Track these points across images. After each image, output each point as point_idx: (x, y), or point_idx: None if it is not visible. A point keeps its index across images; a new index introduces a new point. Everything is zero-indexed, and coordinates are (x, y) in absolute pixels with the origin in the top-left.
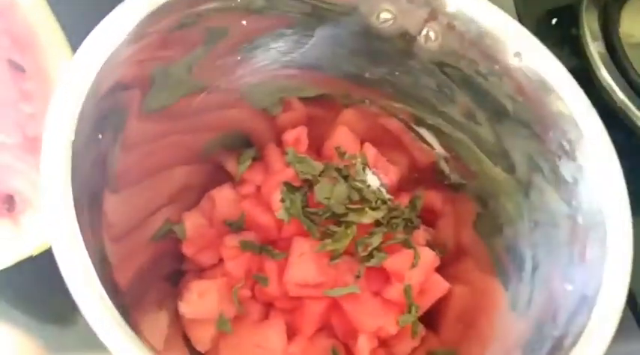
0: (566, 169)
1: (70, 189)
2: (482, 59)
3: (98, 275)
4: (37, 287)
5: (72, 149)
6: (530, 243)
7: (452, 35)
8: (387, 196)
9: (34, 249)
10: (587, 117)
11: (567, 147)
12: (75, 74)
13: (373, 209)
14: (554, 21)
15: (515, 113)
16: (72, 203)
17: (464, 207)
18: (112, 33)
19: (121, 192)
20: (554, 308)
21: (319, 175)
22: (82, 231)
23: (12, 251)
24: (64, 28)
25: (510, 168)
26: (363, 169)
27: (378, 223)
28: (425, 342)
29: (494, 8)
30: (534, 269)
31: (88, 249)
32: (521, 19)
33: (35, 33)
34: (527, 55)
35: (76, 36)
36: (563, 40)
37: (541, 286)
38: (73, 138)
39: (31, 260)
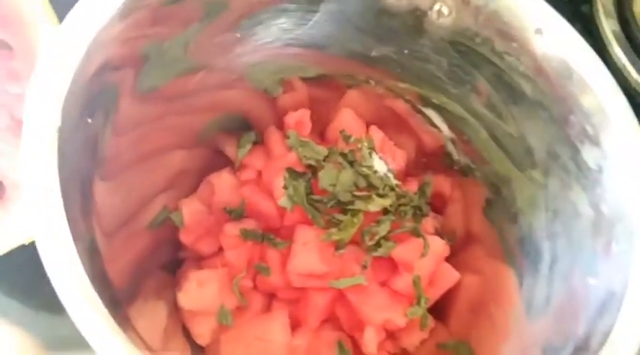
0: (589, 156)
1: (57, 176)
2: (499, 37)
3: (86, 268)
4: (31, 275)
5: (58, 133)
6: (548, 234)
7: (466, 10)
8: (395, 182)
9: (27, 238)
10: (614, 100)
11: (591, 131)
12: (60, 50)
13: (381, 196)
14: None
15: (534, 95)
16: (58, 192)
17: (473, 192)
18: (100, 6)
19: (113, 179)
20: (576, 304)
21: (323, 160)
22: (69, 221)
23: (3, 239)
24: (53, 3)
25: (527, 154)
26: (370, 154)
27: (385, 211)
28: (434, 334)
29: None
30: (553, 262)
31: (75, 240)
32: None
33: (22, 9)
34: (549, 31)
35: (64, 13)
36: (575, 17)
37: (561, 281)
38: (59, 122)
39: (23, 247)
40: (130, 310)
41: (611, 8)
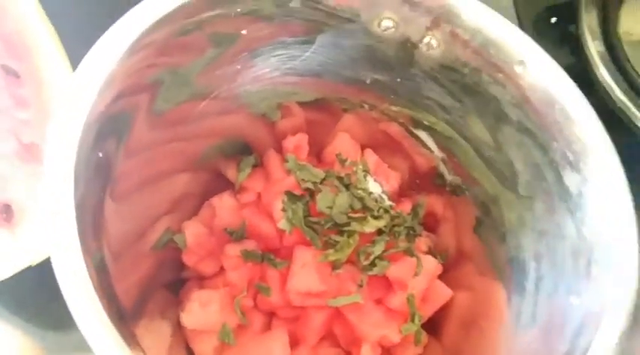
0: (571, 181)
1: (72, 196)
2: (486, 67)
3: (95, 285)
4: (38, 295)
5: (75, 158)
6: (535, 254)
7: (455, 43)
8: (389, 203)
9: (33, 260)
10: (592, 129)
11: (572, 158)
12: (75, 92)
13: (375, 217)
14: (553, 19)
15: (519, 122)
16: (73, 211)
17: (464, 211)
18: (114, 47)
19: (122, 200)
20: (560, 321)
21: (320, 183)
22: (82, 239)
23: (11, 262)
24: (58, 31)
25: (513, 177)
26: (365, 177)
27: (380, 232)
28: (428, 349)
29: (498, 16)
30: (538, 280)
31: (86, 257)
32: (520, 18)
33: (29, 37)
34: (532, 63)
35: (70, 39)
36: (562, 38)
37: (545, 298)
38: (76, 149)
39: (30, 268)
40: (136, 328)
41: (597, 29)
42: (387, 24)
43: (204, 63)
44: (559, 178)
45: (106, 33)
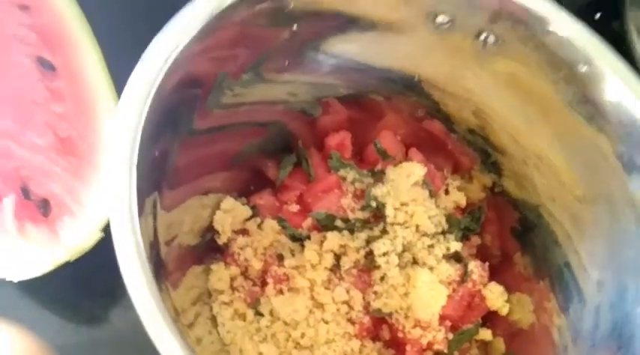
0: (637, 186)
1: (135, 192)
2: (547, 65)
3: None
4: (73, 291)
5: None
6: (596, 260)
7: (514, 39)
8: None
9: (72, 256)
10: None
11: (638, 162)
12: (139, 80)
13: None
14: (597, 15)
15: (581, 122)
16: (135, 202)
17: (506, 212)
18: (179, 35)
19: (176, 189)
20: (628, 333)
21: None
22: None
23: (49, 257)
24: (93, 26)
25: (571, 181)
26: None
27: None
28: None
29: (564, 12)
30: (600, 287)
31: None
32: None
33: (65, 29)
34: (597, 63)
35: (103, 33)
36: (606, 36)
37: (608, 307)
38: (138, 140)
39: (67, 263)
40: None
41: None
42: (442, 19)
43: (263, 55)
44: (624, 184)
45: (172, 20)
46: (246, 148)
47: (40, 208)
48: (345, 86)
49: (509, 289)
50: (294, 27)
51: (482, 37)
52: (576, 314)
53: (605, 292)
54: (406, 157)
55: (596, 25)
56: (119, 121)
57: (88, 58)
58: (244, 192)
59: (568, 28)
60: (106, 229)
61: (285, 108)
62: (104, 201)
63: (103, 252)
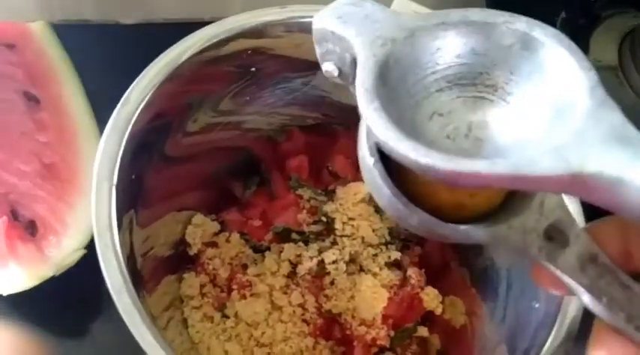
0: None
1: (115, 214)
2: None
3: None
4: (57, 304)
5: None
6: (506, 265)
7: None
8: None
9: (57, 270)
10: None
11: None
12: (120, 119)
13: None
14: None
15: None
16: (115, 222)
17: None
18: (152, 79)
19: (150, 209)
20: (523, 322)
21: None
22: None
23: (36, 273)
24: (74, 60)
25: None
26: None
27: None
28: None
29: None
30: (508, 287)
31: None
32: None
33: (48, 65)
34: None
35: (84, 67)
36: None
37: (514, 302)
38: (115, 180)
39: (52, 278)
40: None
41: None
42: None
43: (225, 92)
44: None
45: (150, 65)
46: (215, 171)
47: (27, 229)
48: (312, 118)
49: (446, 293)
50: (253, 69)
51: None
52: (491, 308)
53: (512, 290)
54: (356, 178)
55: None
56: (102, 150)
57: (70, 90)
58: (214, 209)
59: None
60: (88, 246)
61: (252, 136)
62: (89, 216)
63: (85, 268)
